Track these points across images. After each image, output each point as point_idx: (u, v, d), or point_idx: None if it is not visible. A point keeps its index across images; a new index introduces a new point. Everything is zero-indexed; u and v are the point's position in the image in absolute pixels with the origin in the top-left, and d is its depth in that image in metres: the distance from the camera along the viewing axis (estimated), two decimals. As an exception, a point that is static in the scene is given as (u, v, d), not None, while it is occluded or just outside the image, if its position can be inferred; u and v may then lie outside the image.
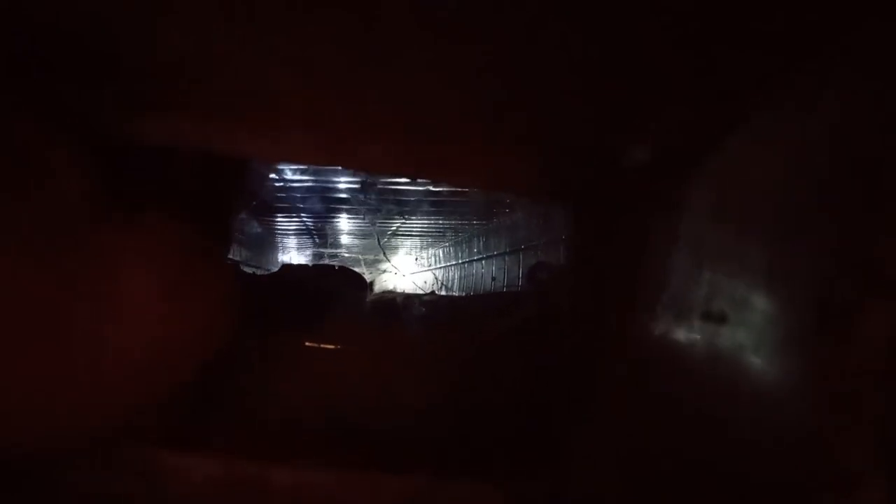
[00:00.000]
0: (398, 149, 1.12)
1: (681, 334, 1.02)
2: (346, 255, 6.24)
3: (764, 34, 0.76)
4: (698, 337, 0.93)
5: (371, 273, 7.10)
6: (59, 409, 0.79)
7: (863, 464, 0.58)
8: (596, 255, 1.35)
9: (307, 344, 1.25)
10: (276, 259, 6.05)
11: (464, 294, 4.57)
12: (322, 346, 1.26)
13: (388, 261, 5.87)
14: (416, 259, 6.25)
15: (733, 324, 0.85)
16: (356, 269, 6.65)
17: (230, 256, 4.26)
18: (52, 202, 0.81)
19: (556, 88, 0.93)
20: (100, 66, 0.88)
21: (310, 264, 3.49)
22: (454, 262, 5.32)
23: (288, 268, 2.40)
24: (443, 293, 5.08)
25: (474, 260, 4.68)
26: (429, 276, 6.02)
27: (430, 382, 1.25)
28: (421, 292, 5.39)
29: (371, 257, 6.11)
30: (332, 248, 5.99)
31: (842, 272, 0.63)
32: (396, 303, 1.90)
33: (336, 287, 1.71)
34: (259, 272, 5.05)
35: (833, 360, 0.62)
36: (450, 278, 5.44)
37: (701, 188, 1.01)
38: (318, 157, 1.16)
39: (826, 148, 0.71)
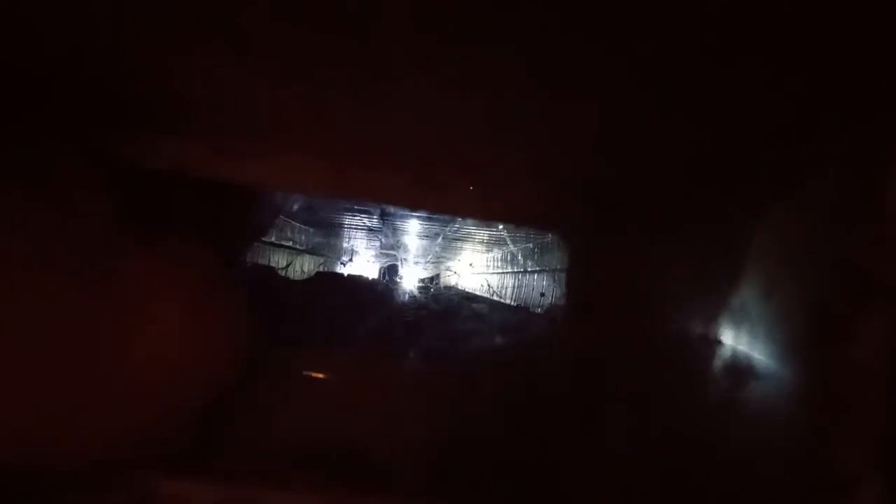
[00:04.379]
0: (400, 182, 1.18)
1: (680, 355, 1.03)
2: (406, 254, 6.39)
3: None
4: (697, 356, 0.94)
5: (433, 270, 7.24)
6: (73, 430, 0.82)
7: (861, 468, 0.58)
8: (594, 283, 1.36)
9: (307, 372, 1.30)
10: (342, 249, 6.31)
11: (512, 304, 4.58)
12: (323, 375, 1.32)
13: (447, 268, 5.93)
14: (471, 264, 6.30)
15: (733, 338, 0.86)
16: (412, 266, 6.79)
17: (285, 243, 4.51)
18: (76, 227, 0.85)
19: (561, 126, 0.95)
20: (115, 97, 0.92)
21: (345, 274, 3.63)
22: (509, 271, 5.34)
23: (321, 276, 2.52)
24: (495, 299, 5.12)
25: (528, 272, 4.68)
26: (486, 280, 6.06)
27: (429, 410, 1.28)
28: (476, 294, 5.45)
29: (431, 258, 6.23)
30: (392, 247, 6.16)
31: (836, 282, 0.64)
32: (414, 323, 1.97)
33: (361, 303, 1.80)
34: (322, 263, 5.31)
35: (831, 367, 0.63)
36: (504, 286, 5.46)
37: (700, 218, 1.00)
38: (324, 187, 1.21)
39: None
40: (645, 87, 0.76)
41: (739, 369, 0.85)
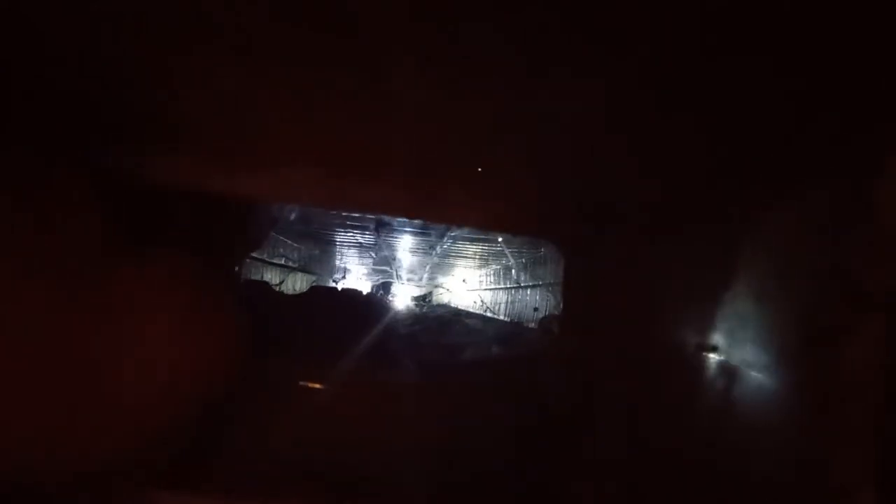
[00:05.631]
0: (397, 191, 1.16)
1: (677, 362, 1.02)
2: (400, 271, 6.37)
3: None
4: (694, 363, 0.93)
5: (426, 287, 7.22)
6: (72, 431, 0.81)
7: (856, 476, 0.58)
8: (587, 297, 1.35)
9: (303, 384, 1.29)
10: (335, 266, 6.28)
11: (506, 320, 4.57)
12: (320, 386, 1.30)
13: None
14: (465, 280, 6.30)
15: (726, 351, 0.86)
16: (401, 283, 6.75)
17: (280, 261, 4.47)
18: (73, 238, 0.85)
19: (560, 127, 0.94)
20: (114, 99, 0.92)
21: (339, 288, 3.60)
22: (503, 287, 5.33)
23: (315, 290, 2.50)
24: (489, 315, 5.10)
25: (521, 286, 4.68)
26: (479, 297, 6.04)
27: (424, 423, 1.26)
28: (469, 311, 5.43)
29: (424, 274, 6.22)
30: (385, 264, 6.14)
31: (833, 287, 0.64)
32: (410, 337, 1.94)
33: (356, 318, 1.78)
34: (314, 281, 5.27)
35: (828, 372, 0.62)
36: (497, 302, 5.44)
37: (698, 221, 1.00)
38: (316, 197, 1.20)
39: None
40: (645, 87, 0.77)
41: (736, 375, 0.84)
